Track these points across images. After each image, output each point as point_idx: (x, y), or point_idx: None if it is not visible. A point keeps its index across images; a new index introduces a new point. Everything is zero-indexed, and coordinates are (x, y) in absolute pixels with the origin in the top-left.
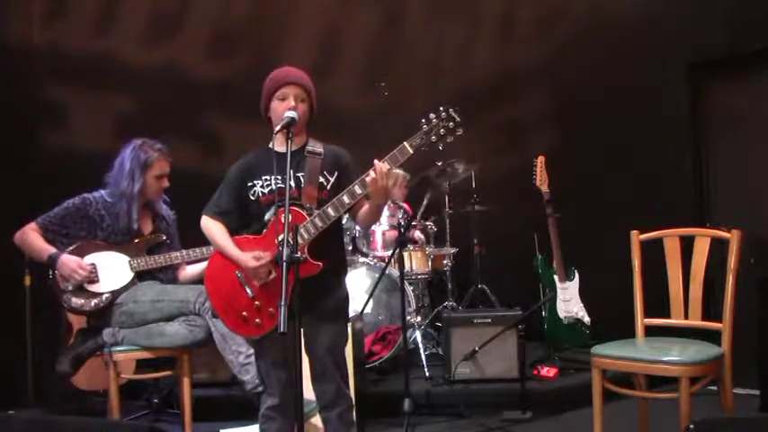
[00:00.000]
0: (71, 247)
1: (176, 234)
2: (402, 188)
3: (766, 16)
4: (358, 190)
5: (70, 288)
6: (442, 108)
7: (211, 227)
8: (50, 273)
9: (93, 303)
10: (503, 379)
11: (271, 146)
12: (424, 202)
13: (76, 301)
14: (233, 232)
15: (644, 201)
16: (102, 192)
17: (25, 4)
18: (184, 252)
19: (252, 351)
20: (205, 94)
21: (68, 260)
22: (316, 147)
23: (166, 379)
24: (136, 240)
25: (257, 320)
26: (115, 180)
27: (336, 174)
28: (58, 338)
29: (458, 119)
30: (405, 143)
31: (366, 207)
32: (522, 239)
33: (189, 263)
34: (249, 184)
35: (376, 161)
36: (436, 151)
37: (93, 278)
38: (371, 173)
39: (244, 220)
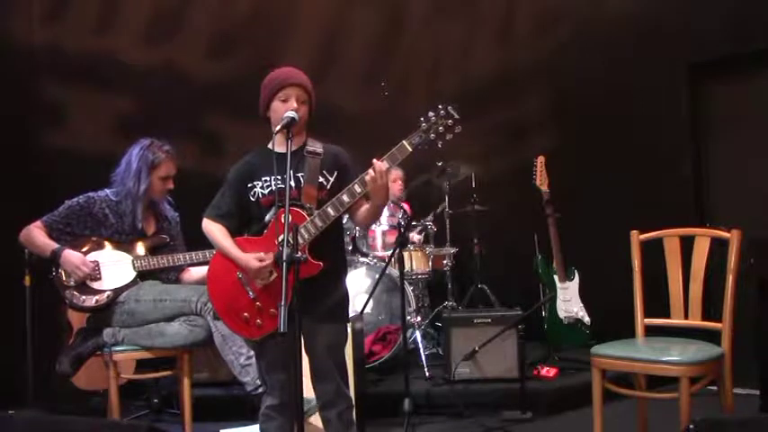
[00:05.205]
0: (74, 245)
1: (180, 234)
2: (399, 186)
3: (766, 16)
4: (357, 189)
5: (73, 284)
6: (440, 106)
7: (213, 229)
8: (52, 270)
9: (94, 300)
10: (503, 379)
11: (270, 146)
12: (434, 213)
13: (78, 297)
14: (234, 234)
15: (644, 201)
16: (108, 191)
17: (25, 4)
18: (187, 254)
19: (252, 353)
20: (205, 94)
21: (72, 255)
22: (315, 146)
23: (166, 379)
24: (139, 241)
25: (258, 321)
26: (121, 178)
27: (336, 173)
28: (58, 338)
29: (456, 116)
30: (404, 141)
31: (365, 207)
32: (522, 239)
33: (192, 265)
34: (249, 185)
35: (375, 160)
36: (436, 151)
37: (95, 275)
38: (370, 171)
39: (245, 221)
